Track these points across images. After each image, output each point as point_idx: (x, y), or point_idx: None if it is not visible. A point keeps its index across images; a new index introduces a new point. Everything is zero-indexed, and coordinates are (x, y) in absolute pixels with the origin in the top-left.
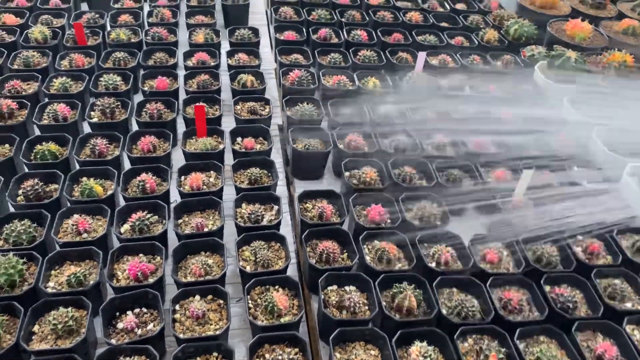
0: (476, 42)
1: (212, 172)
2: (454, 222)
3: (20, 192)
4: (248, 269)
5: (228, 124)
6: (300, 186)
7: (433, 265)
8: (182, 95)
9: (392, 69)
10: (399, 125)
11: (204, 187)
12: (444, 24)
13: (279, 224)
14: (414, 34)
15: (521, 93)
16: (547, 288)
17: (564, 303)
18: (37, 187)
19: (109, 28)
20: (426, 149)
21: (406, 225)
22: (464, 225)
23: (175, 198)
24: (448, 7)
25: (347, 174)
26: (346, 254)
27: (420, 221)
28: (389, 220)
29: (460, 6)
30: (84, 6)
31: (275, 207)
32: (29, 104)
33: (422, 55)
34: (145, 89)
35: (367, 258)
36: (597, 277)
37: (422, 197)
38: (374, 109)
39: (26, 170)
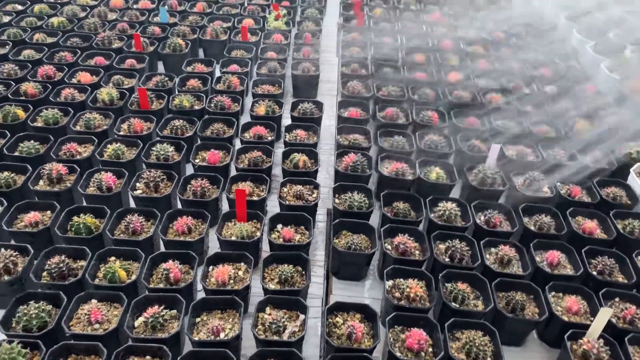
0: (563, 133)
1: (242, 264)
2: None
3: (46, 267)
4: None
5: (274, 203)
6: (338, 287)
7: None
8: (232, 171)
9: (461, 158)
10: (458, 230)
11: (231, 281)
12: (528, 108)
13: (301, 339)
14: (491, 118)
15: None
16: None
17: None
18: (62, 265)
19: (176, 92)
20: (487, 260)
21: None
22: None
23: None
24: (536, 88)
25: (389, 283)
26: None
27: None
28: (430, 350)
29: (549, 88)
30: (160, 66)
31: (301, 317)
32: (79, 169)
33: (495, 149)
34: (197, 161)
35: None
36: None
37: (475, 325)
38: (433, 206)
39: (60, 243)
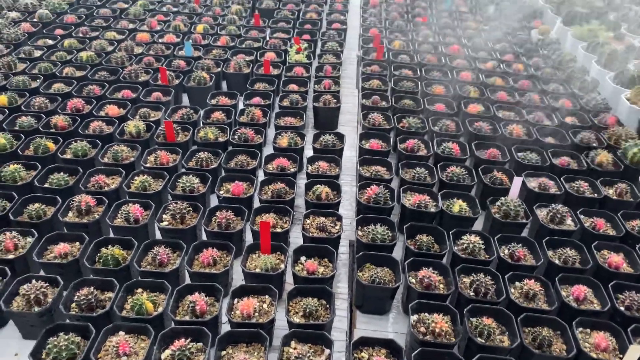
0: (585, 164)
1: (267, 297)
2: None
3: (75, 298)
4: None
5: (297, 234)
6: (362, 321)
7: None
8: (256, 203)
9: (483, 190)
10: (482, 264)
11: (256, 314)
12: (549, 140)
13: None
14: (513, 150)
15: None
16: None
17: None
18: (90, 296)
19: (201, 124)
20: (512, 294)
21: None
22: None
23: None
24: (556, 120)
25: (414, 318)
26: None
27: None
28: None
29: (570, 119)
30: (185, 98)
31: (326, 352)
32: (107, 201)
33: (517, 182)
34: (221, 192)
35: None
36: None
37: None
38: (457, 239)
39: (89, 274)
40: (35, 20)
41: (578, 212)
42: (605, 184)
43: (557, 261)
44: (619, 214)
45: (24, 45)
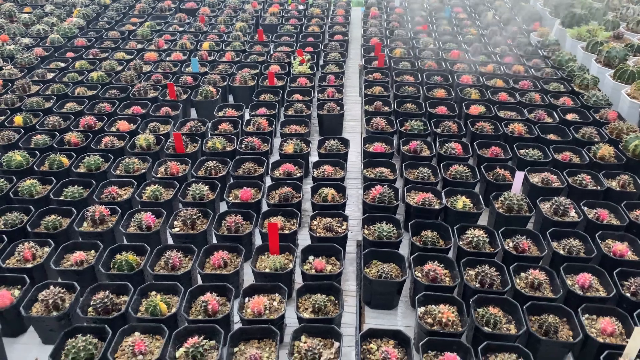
0: (587, 159)
1: (277, 294)
2: None
3: (91, 302)
4: None
5: (305, 236)
6: (371, 316)
7: None
8: (264, 207)
9: (487, 187)
10: (487, 256)
11: (266, 311)
12: (551, 137)
13: None
14: (515, 147)
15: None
16: None
17: None
18: (106, 299)
19: (209, 135)
20: (517, 284)
21: None
22: None
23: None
24: (557, 117)
25: (421, 310)
26: None
27: None
28: None
29: (571, 116)
30: (193, 112)
31: (336, 345)
32: (120, 210)
33: (519, 176)
34: (230, 198)
35: None
36: None
37: (508, 349)
38: (461, 234)
39: (104, 279)
40: (47, 45)
41: (581, 204)
42: (607, 177)
43: (561, 251)
44: (622, 205)
45: (37, 69)
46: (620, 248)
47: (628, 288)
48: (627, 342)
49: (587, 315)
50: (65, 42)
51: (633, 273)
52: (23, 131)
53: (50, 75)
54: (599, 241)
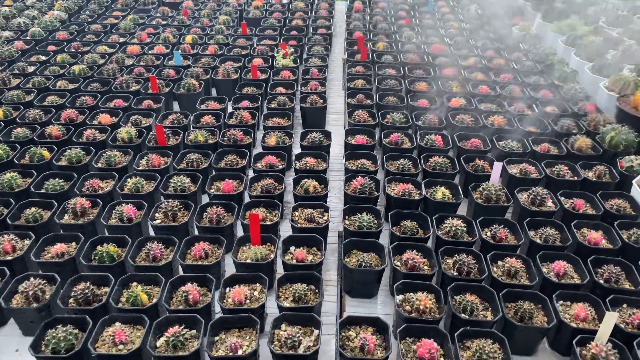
0: (565, 150)
1: (257, 284)
2: None
3: (72, 294)
4: None
5: (287, 228)
6: (351, 305)
7: None
8: (246, 199)
9: (466, 178)
10: (465, 245)
11: (247, 301)
12: (530, 129)
13: (316, 353)
14: (494, 139)
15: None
16: None
17: None
18: (87, 291)
19: (191, 128)
20: (494, 272)
21: None
22: None
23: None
24: (537, 110)
25: (399, 297)
26: None
27: None
28: None
29: (550, 109)
30: (176, 105)
31: (316, 332)
32: (101, 203)
33: (497, 167)
34: (212, 191)
35: None
36: None
37: (484, 334)
38: (440, 224)
39: (85, 271)
40: (28, 38)
41: (558, 194)
42: (584, 167)
43: (538, 240)
44: (597, 194)
45: (18, 62)
46: (594, 236)
47: (601, 275)
48: (599, 327)
49: (561, 302)
50: (47, 35)
51: (606, 260)
52: (3, 124)
53: (31, 69)
54: (575, 230)
